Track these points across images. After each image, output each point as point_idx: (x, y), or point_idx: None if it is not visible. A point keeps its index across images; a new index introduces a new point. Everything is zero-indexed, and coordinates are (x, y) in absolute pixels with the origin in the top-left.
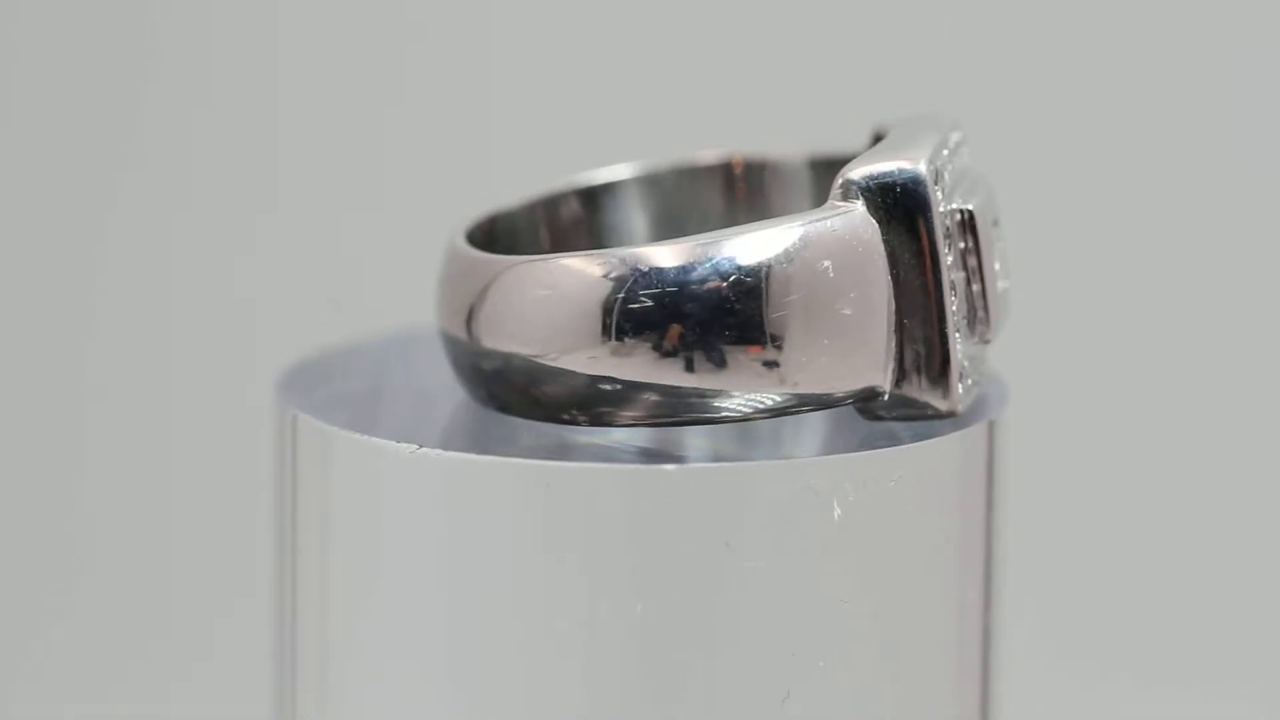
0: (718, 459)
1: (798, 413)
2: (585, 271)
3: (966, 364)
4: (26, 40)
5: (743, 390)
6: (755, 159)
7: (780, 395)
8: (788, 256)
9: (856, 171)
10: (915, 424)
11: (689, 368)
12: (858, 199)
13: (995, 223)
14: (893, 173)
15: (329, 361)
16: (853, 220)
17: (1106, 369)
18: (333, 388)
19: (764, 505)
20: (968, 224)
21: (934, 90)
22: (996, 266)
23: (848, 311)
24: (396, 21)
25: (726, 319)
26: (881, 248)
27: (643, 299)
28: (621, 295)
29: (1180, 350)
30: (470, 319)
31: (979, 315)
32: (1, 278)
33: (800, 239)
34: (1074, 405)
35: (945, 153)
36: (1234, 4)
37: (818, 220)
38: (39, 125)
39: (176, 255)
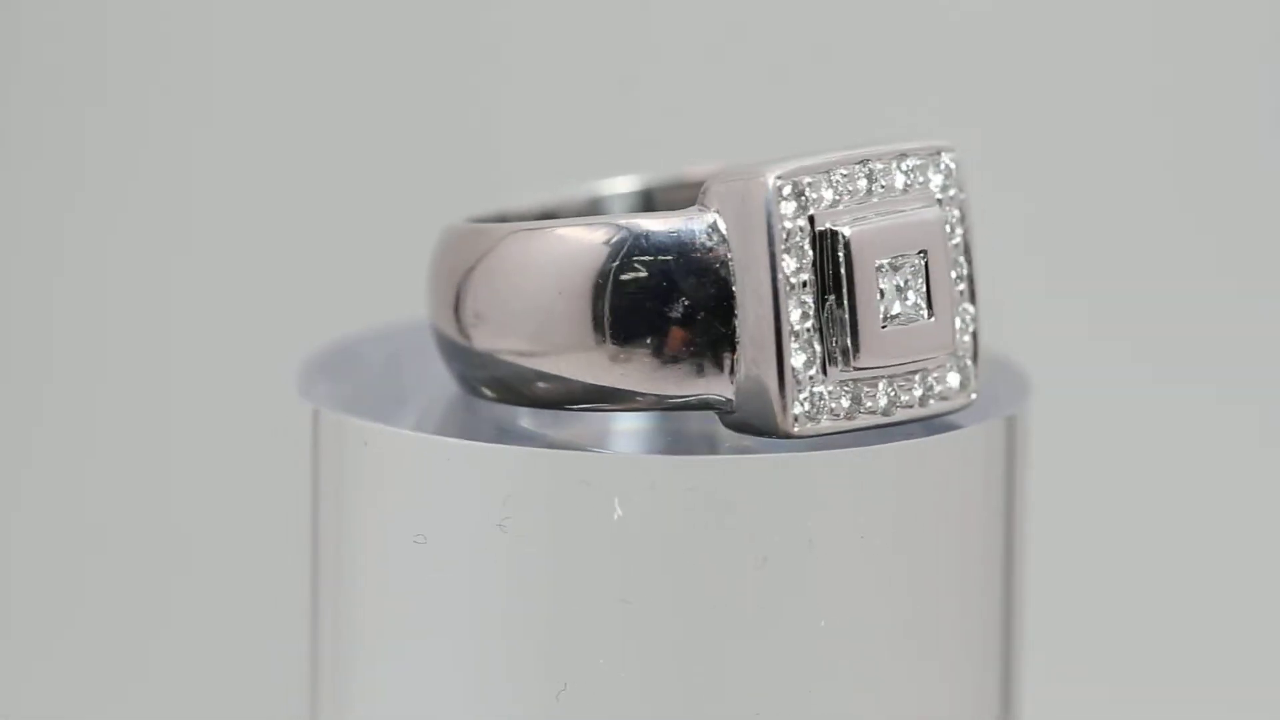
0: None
1: (672, 410)
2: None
3: (828, 390)
4: (27, 40)
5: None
6: None
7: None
8: (628, 256)
9: (716, 179)
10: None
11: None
12: (713, 206)
13: (955, 251)
14: (740, 183)
15: (347, 353)
16: (694, 225)
17: (1127, 364)
18: (352, 380)
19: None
20: (842, 249)
21: (929, 106)
22: (911, 301)
23: (676, 315)
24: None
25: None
26: (725, 255)
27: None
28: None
29: (1204, 348)
30: (459, 301)
31: (846, 344)
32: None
33: (646, 238)
34: (1095, 401)
35: (837, 174)
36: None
37: (662, 221)
38: (40, 125)
39: (182, 253)
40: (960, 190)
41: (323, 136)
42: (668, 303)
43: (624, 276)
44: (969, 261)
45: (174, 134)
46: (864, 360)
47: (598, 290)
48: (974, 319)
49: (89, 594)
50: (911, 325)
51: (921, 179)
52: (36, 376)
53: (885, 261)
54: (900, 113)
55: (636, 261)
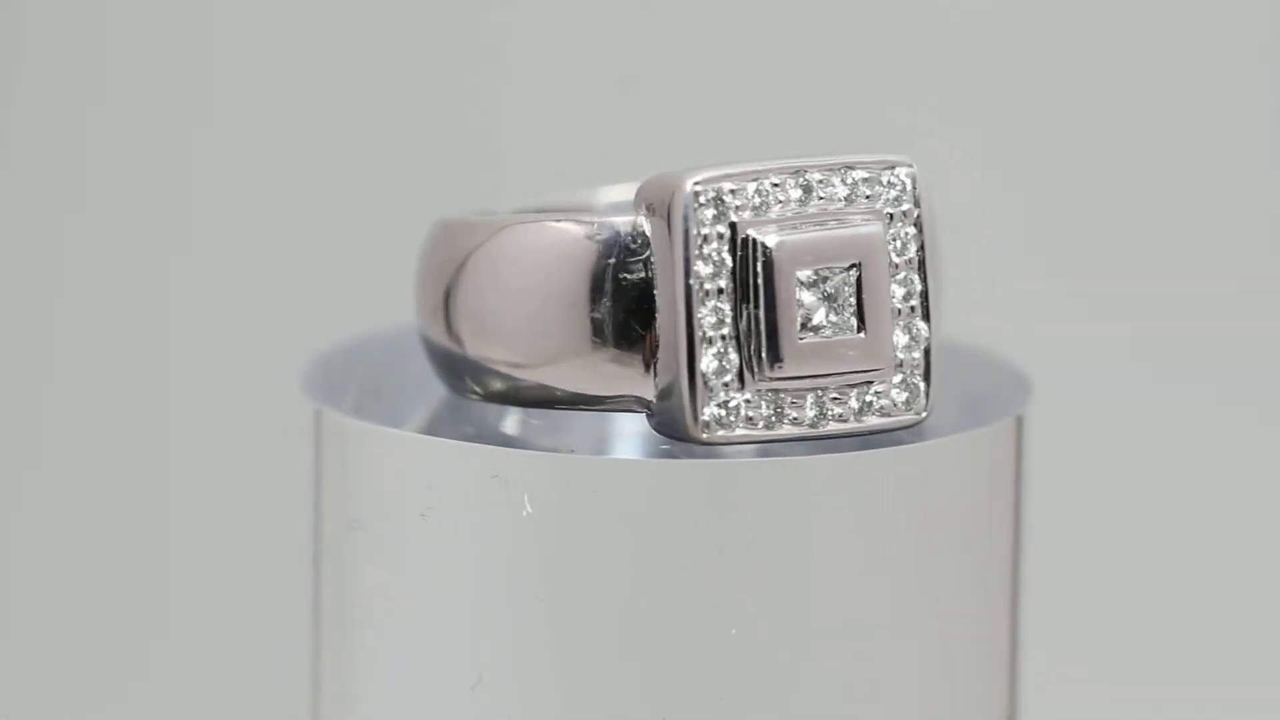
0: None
1: (604, 410)
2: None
3: (745, 399)
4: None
5: None
6: None
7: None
8: (557, 257)
9: (646, 183)
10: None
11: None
12: (640, 210)
13: (907, 267)
14: (661, 187)
15: (350, 354)
16: (621, 228)
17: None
18: (355, 380)
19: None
20: (761, 257)
21: (930, 106)
22: (839, 314)
23: (598, 316)
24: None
25: None
26: (650, 259)
27: None
28: None
29: (1205, 348)
30: (449, 296)
31: (763, 353)
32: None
33: (572, 240)
34: (1095, 402)
35: (767, 182)
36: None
37: (592, 223)
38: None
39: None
40: (917, 206)
41: (326, 138)
42: (595, 304)
43: (555, 277)
44: (924, 278)
45: (178, 136)
46: (784, 370)
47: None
48: (927, 337)
49: (90, 596)
50: (838, 338)
51: (868, 192)
52: (39, 379)
53: (809, 273)
54: (901, 113)
55: (569, 263)
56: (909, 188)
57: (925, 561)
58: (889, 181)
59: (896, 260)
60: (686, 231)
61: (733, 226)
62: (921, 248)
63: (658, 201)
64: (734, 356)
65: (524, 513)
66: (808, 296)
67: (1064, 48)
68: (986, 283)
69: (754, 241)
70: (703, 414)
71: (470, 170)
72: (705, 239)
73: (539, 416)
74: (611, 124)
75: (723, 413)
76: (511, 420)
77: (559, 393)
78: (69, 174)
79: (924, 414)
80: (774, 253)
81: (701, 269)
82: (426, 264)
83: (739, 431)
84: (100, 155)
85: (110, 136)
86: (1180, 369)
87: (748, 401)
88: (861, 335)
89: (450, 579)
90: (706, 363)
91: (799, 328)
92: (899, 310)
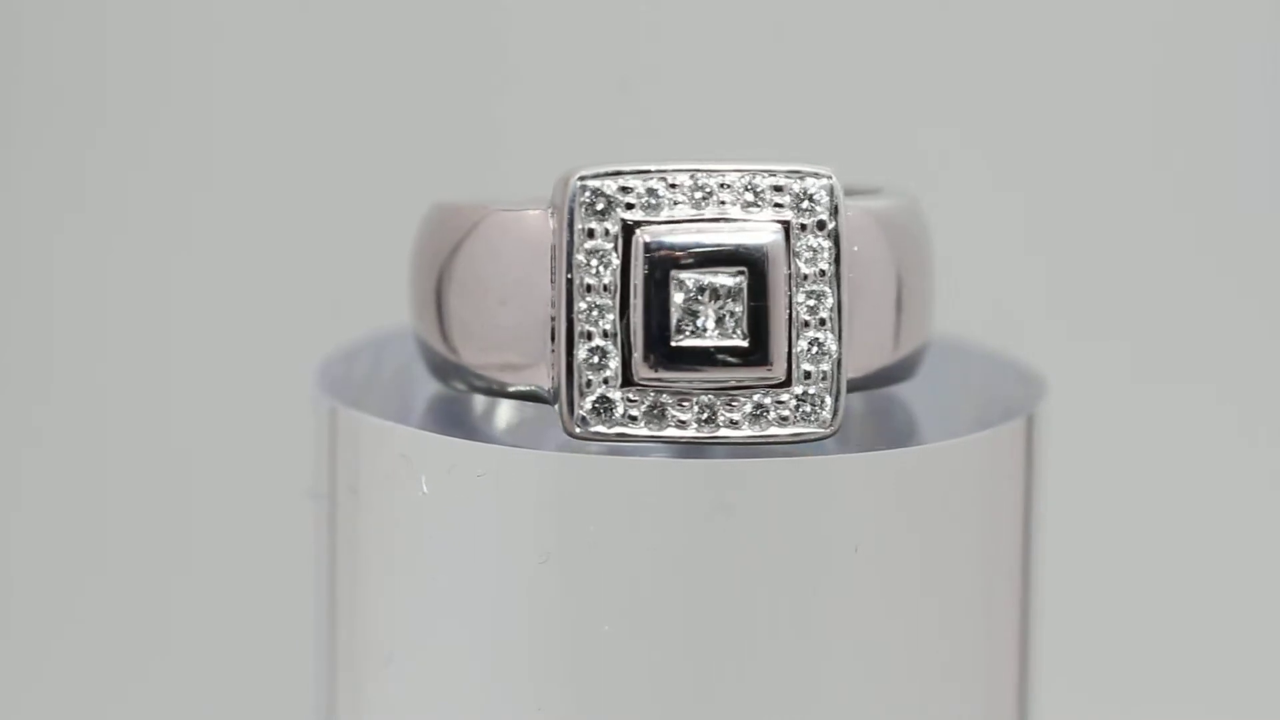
0: None
1: (514, 399)
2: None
3: (626, 397)
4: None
5: None
6: None
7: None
8: (468, 247)
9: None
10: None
11: None
12: (548, 204)
13: (818, 279)
14: (557, 182)
15: (362, 351)
16: (536, 222)
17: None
18: (368, 377)
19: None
20: (644, 258)
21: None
22: (725, 320)
23: (503, 305)
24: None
25: None
26: (549, 251)
27: None
28: None
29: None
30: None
31: (643, 354)
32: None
33: (480, 229)
34: (1114, 401)
35: (663, 184)
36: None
37: (516, 214)
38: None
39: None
40: (833, 218)
41: (331, 140)
42: (503, 296)
43: (463, 266)
44: (837, 291)
45: (184, 138)
46: (659, 372)
47: (442, 278)
48: (836, 350)
49: (91, 597)
50: (718, 344)
51: (777, 200)
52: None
53: (693, 275)
54: (901, 114)
55: (482, 254)
56: (823, 199)
57: (938, 562)
58: (799, 191)
59: (806, 271)
60: (571, 226)
61: (623, 224)
62: (837, 260)
63: (556, 196)
64: (614, 353)
65: (420, 492)
66: (687, 298)
67: (1065, 47)
68: (987, 283)
69: (637, 240)
70: (579, 408)
71: (478, 167)
72: (591, 233)
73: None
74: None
75: (600, 409)
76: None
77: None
78: (69, 174)
79: (829, 429)
80: (655, 252)
81: (581, 263)
82: (420, 250)
83: (618, 430)
84: (100, 155)
85: (110, 137)
86: (1180, 370)
87: (630, 400)
88: (745, 343)
89: (456, 576)
90: (582, 356)
91: (677, 330)
92: (806, 322)
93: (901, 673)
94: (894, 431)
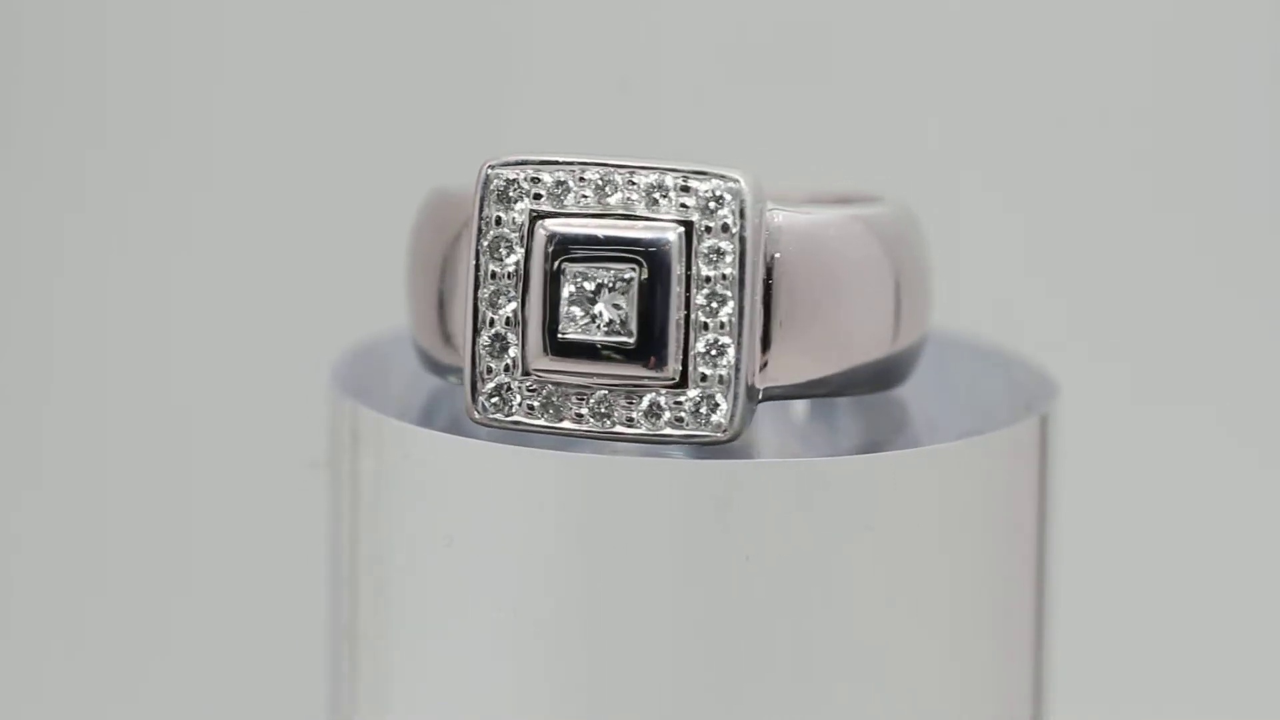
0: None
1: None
2: None
3: (524, 387)
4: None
5: None
6: None
7: None
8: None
9: None
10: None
11: None
12: None
13: (721, 282)
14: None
15: (381, 350)
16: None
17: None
18: (386, 376)
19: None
20: (541, 250)
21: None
22: (615, 317)
23: (424, 285)
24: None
25: None
26: (473, 243)
27: None
28: None
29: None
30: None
31: (535, 346)
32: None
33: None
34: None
35: (570, 177)
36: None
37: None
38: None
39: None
40: (740, 221)
41: (331, 140)
42: (446, 283)
43: (421, 252)
44: (740, 296)
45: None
46: (546, 364)
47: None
48: (734, 353)
49: (94, 600)
50: (604, 340)
51: (683, 200)
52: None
53: (583, 268)
54: (902, 114)
55: (434, 239)
56: (729, 201)
57: (949, 563)
58: (706, 192)
59: (708, 273)
60: (479, 214)
61: (530, 214)
62: (743, 266)
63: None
64: (514, 341)
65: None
66: (577, 291)
67: (1065, 48)
68: (988, 283)
69: (535, 230)
70: (480, 394)
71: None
72: (498, 221)
73: None
74: (611, 123)
75: (498, 398)
76: None
77: None
78: (68, 173)
79: (725, 433)
80: (552, 246)
81: (486, 250)
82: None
83: (515, 418)
84: (101, 155)
85: (112, 136)
86: (1181, 370)
87: (530, 390)
88: (630, 340)
89: (560, 591)
90: (484, 343)
91: (563, 322)
92: (705, 324)
93: (915, 677)
94: (902, 434)
